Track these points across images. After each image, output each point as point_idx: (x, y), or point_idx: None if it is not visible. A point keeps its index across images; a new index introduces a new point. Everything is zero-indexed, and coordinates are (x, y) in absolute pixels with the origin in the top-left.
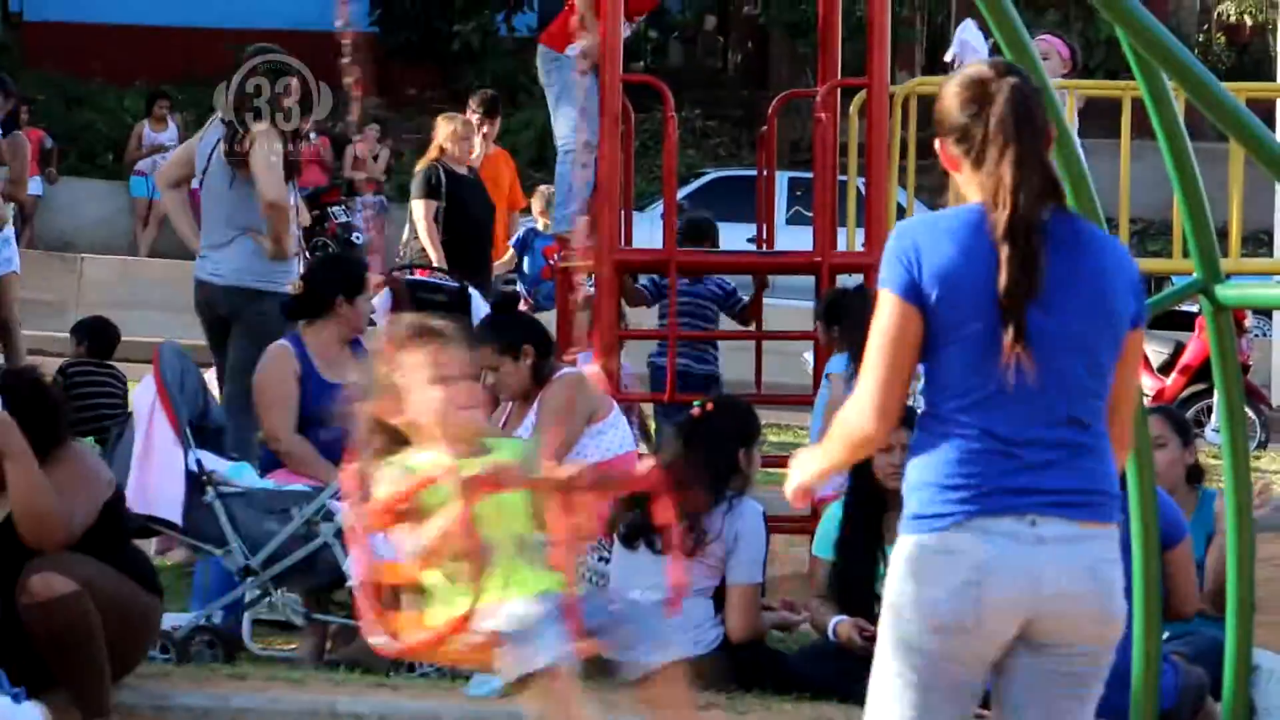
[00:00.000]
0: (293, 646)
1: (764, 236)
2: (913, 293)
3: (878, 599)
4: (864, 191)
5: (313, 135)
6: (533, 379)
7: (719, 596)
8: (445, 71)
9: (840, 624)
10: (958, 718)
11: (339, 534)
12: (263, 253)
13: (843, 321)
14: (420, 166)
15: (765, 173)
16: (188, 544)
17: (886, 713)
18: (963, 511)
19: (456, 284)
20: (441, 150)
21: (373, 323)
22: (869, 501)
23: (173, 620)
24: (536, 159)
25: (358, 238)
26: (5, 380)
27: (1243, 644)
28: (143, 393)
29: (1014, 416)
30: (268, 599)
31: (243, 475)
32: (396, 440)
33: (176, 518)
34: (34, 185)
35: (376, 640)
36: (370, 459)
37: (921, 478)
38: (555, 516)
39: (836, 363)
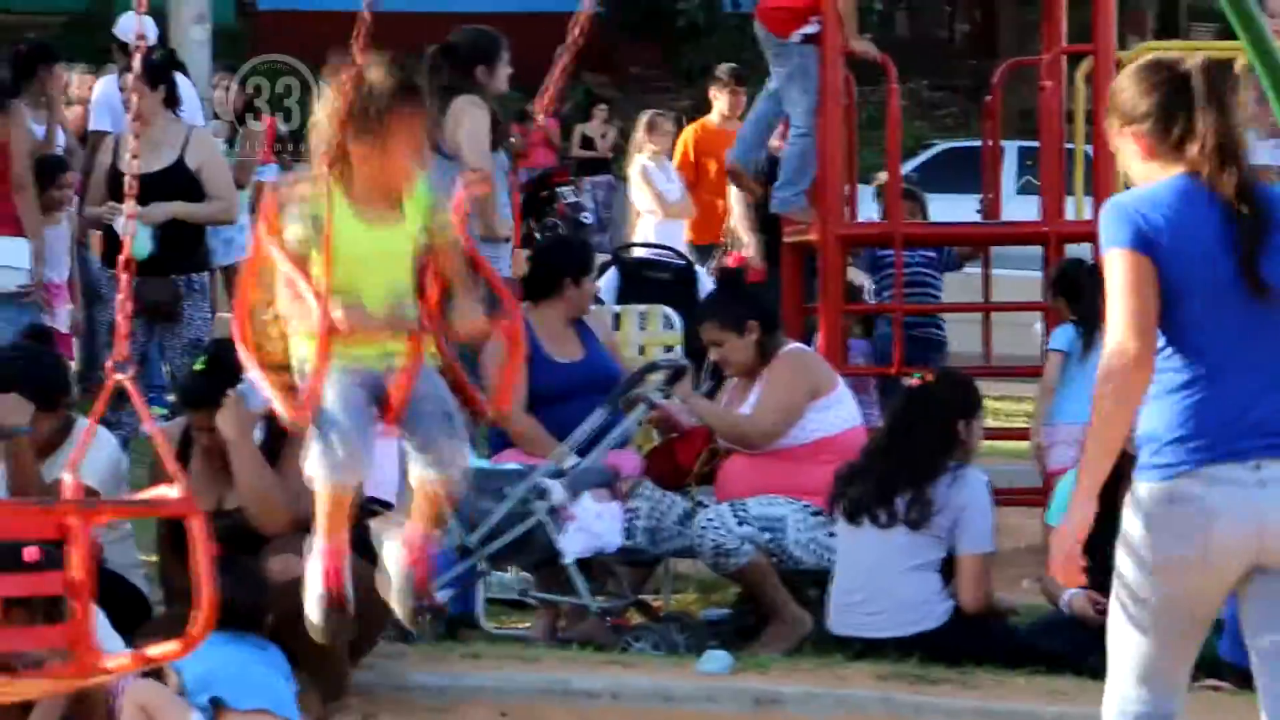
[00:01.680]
0: (526, 625)
1: (990, 206)
2: (1143, 245)
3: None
4: (1092, 159)
5: (540, 117)
6: (758, 355)
7: (947, 569)
8: (669, 49)
9: (1074, 596)
10: (1190, 649)
11: (552, 512)
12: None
13: (1076, 293)
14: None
15: (990, 143)
16: None
17: (1124, 653)
18: (1192, 460)
19: (683, 262)
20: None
21: (600, 302)
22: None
23: None
24: None
25: (586, 218)
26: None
27: None
28: None
29: (1236, 367)
30: (484, 577)
31: None
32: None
33: (392, 498)
34: (270, 172)
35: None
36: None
37: (1152, 429)
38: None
39: (1060, 337)
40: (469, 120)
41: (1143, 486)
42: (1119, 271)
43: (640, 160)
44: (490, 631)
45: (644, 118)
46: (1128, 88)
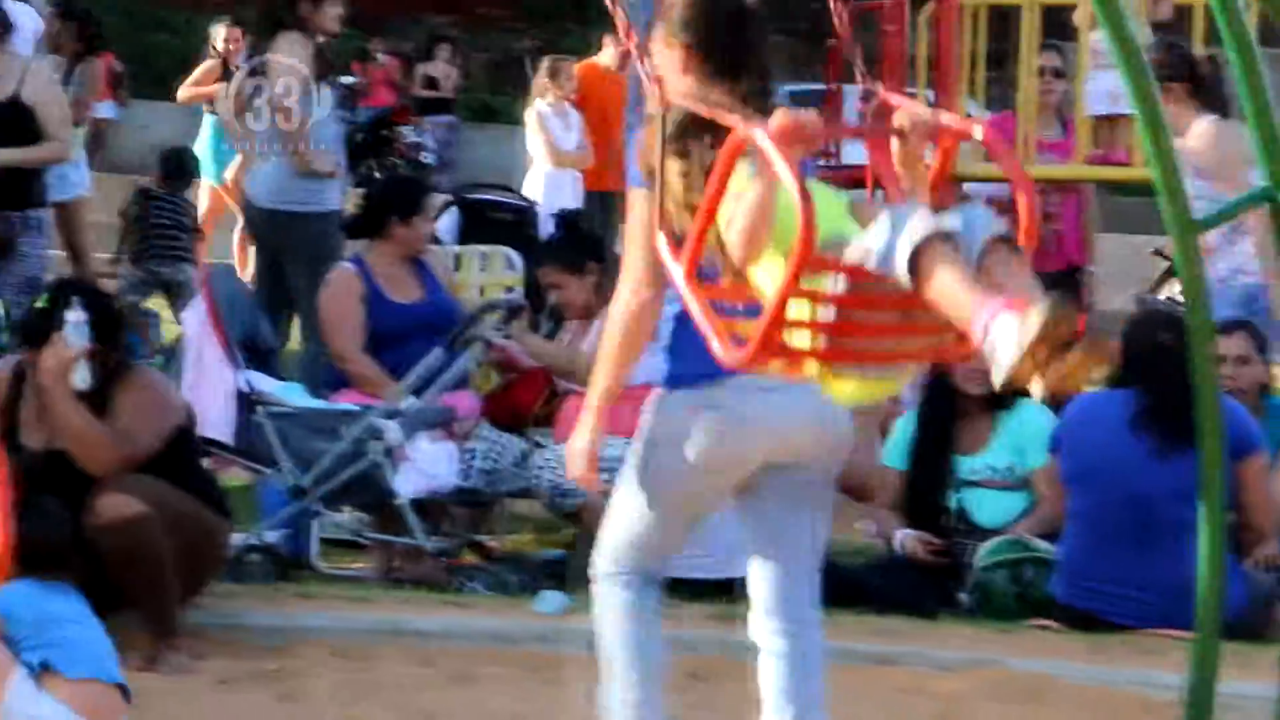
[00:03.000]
0: (360, 566)
1: (832, 151)
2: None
3: (947, 510)
4: (934, 104)
5: (381, 56)
6: (597, 296)
7: None
8: None
9: (906, 538)
10: (687, 533)
11: (388, 453)
12: (294, 172)
13: None
14: None
15: (834, 86)
16: (240, 464)
17: (627, 529)
18: (714, 371)
19: (525, 203)
20: None
21: (438, 242)
22: (942, 410)
23: None
24: None
25: (427, 157)
26: (88, 297)
27: None
28: (193, 314)
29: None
30: (319, 518)
31: (292, 395)
32: None
33: (228, 438)
34: (107, 109)
35: (731, 356)
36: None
37: (679, 343)
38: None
39: None
40: (285, 56)
41: (674, 395)
42: (640, 212)
43: (539, 105)
44: (324, 572)
45: (544, 63)
46: (684, 4)
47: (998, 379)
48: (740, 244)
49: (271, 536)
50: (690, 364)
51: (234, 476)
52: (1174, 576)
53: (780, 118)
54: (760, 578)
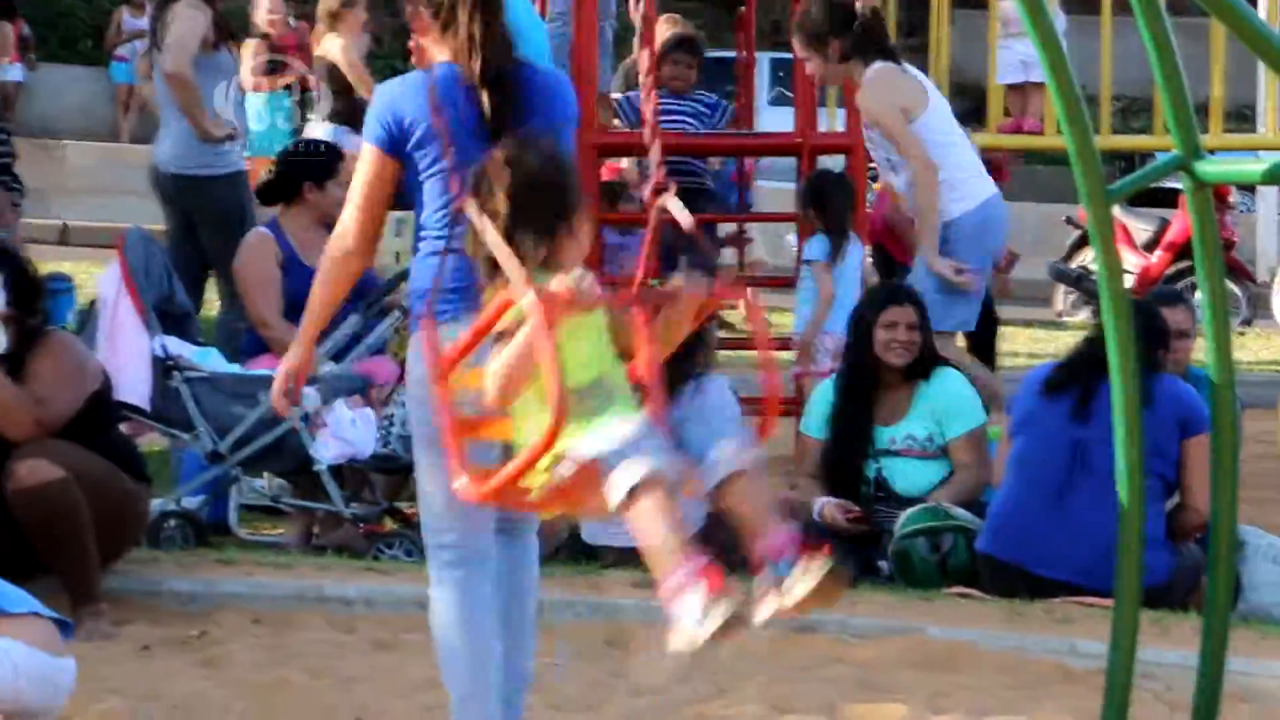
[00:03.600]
0: (279, 532)
1: (745, 118)
2: (389, 142)
3: (867, 480)
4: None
5: (291, 21)
6: None
7: None
8: None
9: (825, 505)
10: None
11: (305, 419)
12: (196, 137)
13: (824, 204)
14: None
15: (744, 54)
16: (156, 429)
17: (430, 493)
18: (459, 308)
19: None
20: None
21: None
22: (862, 378)
23: None
24: None
25: None
26: (3, 260)
27: (1227, 520)
28: (108, 279)
29: None
30: (238, 483)
31: (209, 360)
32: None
33: (144, 403)
34: (15, 72)
35: (460, 485)
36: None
37: (423, 283)
38: (637, 342)
39: (815, 248)
40: (179, 23)
41: (422, 334)
42: (363, 166)
43: None
44: (243, 538)
45: None
46: None
47: (673, 645)
48: (498, 382)
49: (189, 502)
50: (433, 302)
51: (150, 442)
52: (1100, 528)
53: (558, 285)
54: None
